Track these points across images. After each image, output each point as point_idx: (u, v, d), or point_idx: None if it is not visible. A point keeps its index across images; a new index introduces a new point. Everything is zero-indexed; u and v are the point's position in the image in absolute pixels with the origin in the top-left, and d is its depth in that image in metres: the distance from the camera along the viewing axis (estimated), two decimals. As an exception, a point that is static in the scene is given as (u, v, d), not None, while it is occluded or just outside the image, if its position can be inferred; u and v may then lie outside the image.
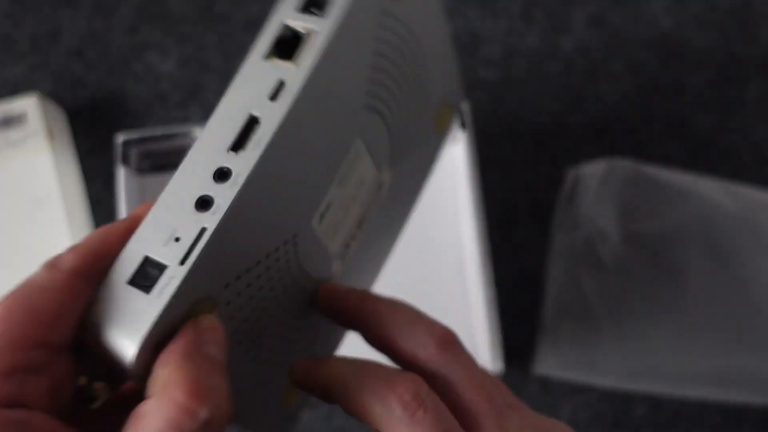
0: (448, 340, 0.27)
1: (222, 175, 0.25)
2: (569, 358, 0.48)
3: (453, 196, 0.48)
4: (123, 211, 0.45)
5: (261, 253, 0.27)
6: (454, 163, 0.48)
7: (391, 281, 0.47)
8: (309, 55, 0.26)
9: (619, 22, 0.54)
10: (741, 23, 0.54)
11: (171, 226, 0.25)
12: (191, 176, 0.25)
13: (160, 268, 0.24)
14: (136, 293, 0.24)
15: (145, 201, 0.49)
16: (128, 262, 0.24)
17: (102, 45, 0.53)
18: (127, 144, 0.46)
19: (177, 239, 0.24)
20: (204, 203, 0.25)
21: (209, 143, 0.26)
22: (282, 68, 0.26)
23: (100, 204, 0.50)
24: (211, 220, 0.24)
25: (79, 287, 0.23)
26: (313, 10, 0.27)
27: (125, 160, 0.46)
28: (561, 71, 0.53)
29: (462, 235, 0.48)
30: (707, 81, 0.53)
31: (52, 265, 0.23)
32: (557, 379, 0.48)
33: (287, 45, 0.27)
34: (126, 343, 0.23)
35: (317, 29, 0.26)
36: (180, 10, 0.53)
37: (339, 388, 0.26)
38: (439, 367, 0.27)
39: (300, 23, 0.27)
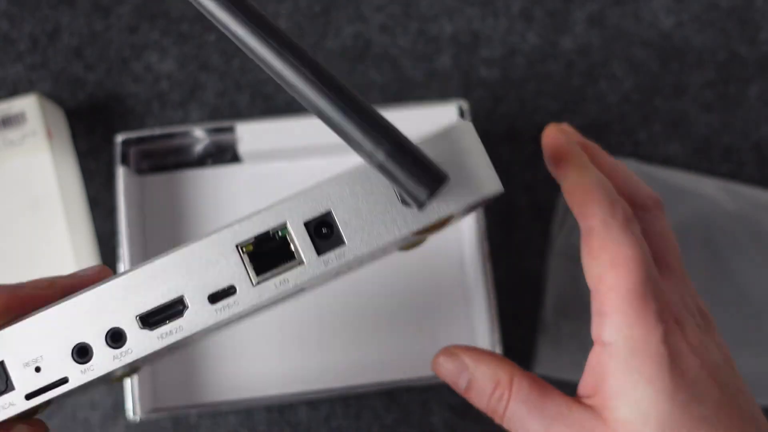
0: (662, 203, 0.33)
1: (115, 338, 0.23)
2: (569, 358, 0.47)
3: (453, 196, 0.48)
4: (122, 210, 0.45)
5: (108, 376, 0.25)
6: (454, 163, 0.48)
7: (392, 281, 0.47)
8: (275, 287, 0.23)
9: (619, 22, 0.54)
10: (741, 23, 0.54)
11: (42, 350, 0.23)
12: (88, 313, 0.23)
13: (8, 385, 0.23)
14: None
15: (144, 201, 0.49)
16: None
17: (101, 44, 0.52)
18: (126, 144, 0.46)
19: (38, 369, 0.23)
20: (81, 352, 0.23)
21: (126, 292, 0.23)
22: (243, 273, 0.23)
23: (99, 204, 0.50)
24: (77, 376, 0.22)
25: None
26: (323, 231, 0.23)
27: (124, 160, 0.46)
28: (561, 71, 0.53)
29: (462, 235, 0.48)
30: (707, 81, 0.53)
31: None
32: (557, 379, 0.48)
33: (269, 244, 0.23)
34: None
35: (307, 262, 0.23)
36: (179, 9, 0.53)
37: (579, 169, 0.31)
38: (650, 216, 0.32)
39: (298, 240, 0.23)
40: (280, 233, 0.23)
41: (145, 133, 0.46)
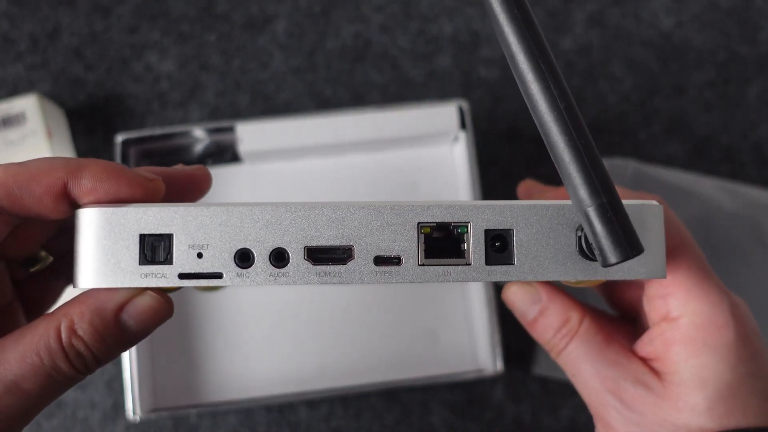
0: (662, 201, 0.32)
1: (278, 258, 0.24)
2: (569, 359, 0.47)
3: (453, 196, 0.48)
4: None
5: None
6: (454, 163, 0.48)
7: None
8: (436, 275, 0.24)
9: (619, 22, 0.54)
10: (741, 23, 0.54)
11: (209, 240, 0.24)
12: (263, 226, 0.24)
13: (168, 258, 0.24)
14: (150, 267, 0.25)
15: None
16: (154, 226, 0.25)
17: (101, 45, 0.52)
18: (126, 144, 0.46)
19: (200, 255, 0.24)
20: (244, 258, 0.24)
21: (303, 221, 0.24)
22: (414, 250, 0.24)
23: (100, 204, 0.50)
24: (231, 277, 0.24)
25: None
26: (497, 245, 0.25)
27: (124, 160, 0.46)
28: (561, 71, 0.53)
29: (462, 235, 0.48)
30: (707, 81, 0.53)
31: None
32: (557, 379, 0.48)
33: (445, 235, 0.25)
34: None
35: (473, 266, 0.25)
36: (179, 9, 0.53)
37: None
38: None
39: (473, 243, 0.25)
40: (459, 229, 0.24)
41: (145, 133, 0.46)
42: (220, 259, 0.24)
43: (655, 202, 0.26)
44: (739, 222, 0.49)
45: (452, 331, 0.46)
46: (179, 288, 0.26)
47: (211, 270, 0.24)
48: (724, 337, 0.28)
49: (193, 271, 0.24)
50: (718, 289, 0.29)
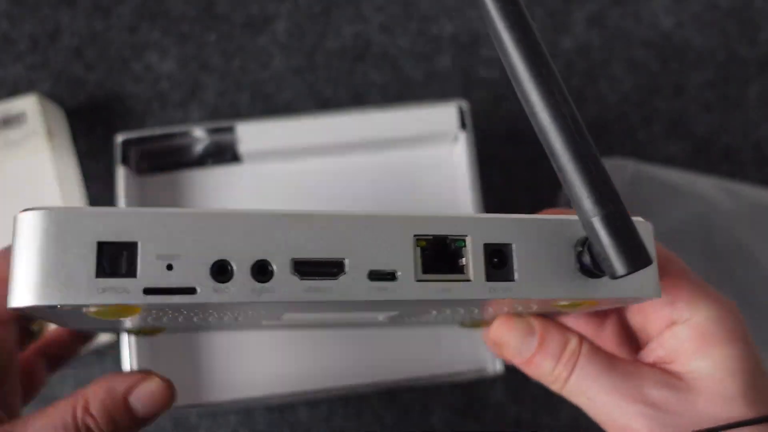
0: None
1: (261, 271, 0.21)
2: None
3: (453, 196, 0.48)
4: (122, 211, 0.45)
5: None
6: (454, 163, 0.48)
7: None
8: (435, 292, 0.22)
9: (619, 22, 0.54)
10: (741, 23, 0.54)
11: (181, 250, 0.21)
12: (244, 234, 0.21)
13: (131, 270, 0.21)
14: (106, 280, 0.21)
15: (144, 201, 0.48)
16: (116, 232, 0.21)
17: (101, 45, 0.53)
18: (126, 144, 0.46)
19: (169, 267, 0.21)
20: (221, 270, 0.21)
21: (289, 230, 0.22)
22: (410, 265, 0.22)
23: (100, 204, 0.50)
24: (207, 293, 0.21)
25: None
26: (496, 260, 0.23)
27: (125, 160, 0.46)
28: (561, 71, 0.53)
29: (462, 235, 0.47)
30: (707, 81, 0.53)
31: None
32: (557, 379, 0.48)
33: (441, 249, 0.23)
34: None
35: (474, 282, 0.22)
36: (179, 9, 0.53)
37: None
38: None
39: (472, 258, 0.23)
40: (456, 243, 0.23)
41: (146, 133, 0.46)
42: (194, 272, 0.21)
43: (641, 219, 0.25)
44: (739, 222, 0.49)
45: (452, 331, 0.46)
46: (159, 331, 0.23)
47: (182, 284, 0.21)
48: (738, 329, 0.29)
49: (161, 286, 0.21)
50: (715, 291, 0.30)
